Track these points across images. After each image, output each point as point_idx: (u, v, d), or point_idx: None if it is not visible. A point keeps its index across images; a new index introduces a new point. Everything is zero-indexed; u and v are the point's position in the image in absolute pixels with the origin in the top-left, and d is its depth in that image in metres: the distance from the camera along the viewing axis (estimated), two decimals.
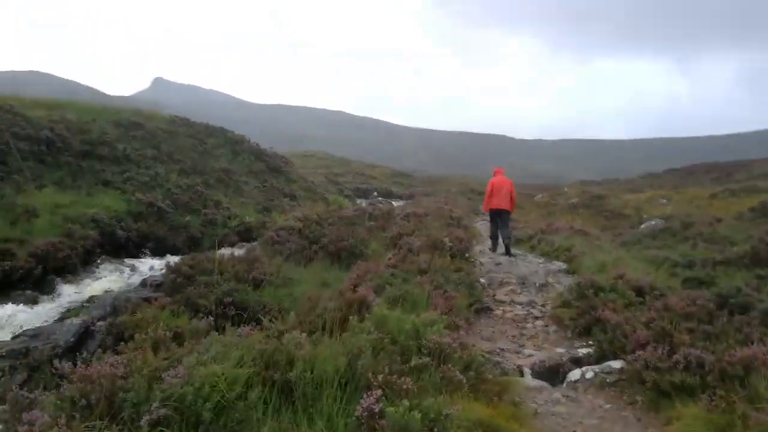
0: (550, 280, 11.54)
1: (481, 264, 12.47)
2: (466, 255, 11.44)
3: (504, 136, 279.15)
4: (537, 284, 11.09)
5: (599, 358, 6.78)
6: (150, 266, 13.97)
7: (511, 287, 10.87)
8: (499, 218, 13.91)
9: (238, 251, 15.96)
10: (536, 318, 9.35)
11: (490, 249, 14.29)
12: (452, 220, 17.13)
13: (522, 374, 6.91)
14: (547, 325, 9.01)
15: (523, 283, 11.10)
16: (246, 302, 10.46)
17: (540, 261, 13.55)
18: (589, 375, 6.26)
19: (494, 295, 10.45)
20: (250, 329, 5.36)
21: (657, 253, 14.88)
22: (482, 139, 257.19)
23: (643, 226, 23.05)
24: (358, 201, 40.86)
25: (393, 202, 41.33)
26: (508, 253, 13.42)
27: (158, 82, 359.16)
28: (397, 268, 9.66)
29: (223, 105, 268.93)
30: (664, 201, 37.77)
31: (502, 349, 7.80)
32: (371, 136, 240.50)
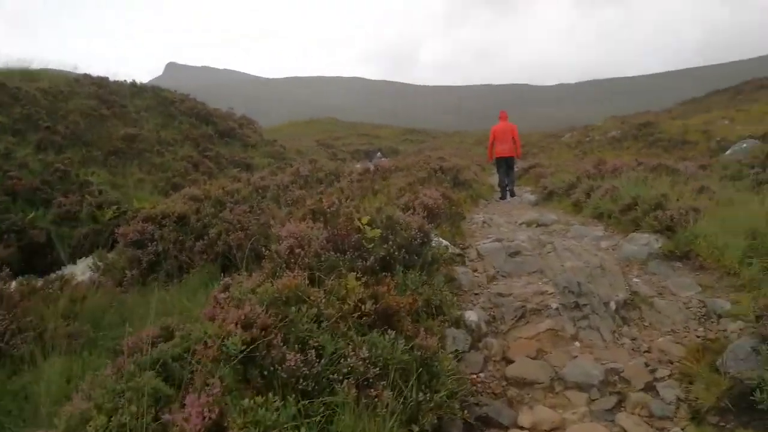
0: (640, 285, 4.88)
1: (478, 257, 5.83)
2: (429, 254, 4.79)
3: (526, 85, 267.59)
4: (611, 304, 4.45)
5: None
6: None
7: (547, 320, 4.27)
8: (505, 165, 12.12)
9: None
10: None
11: (497, 199, 12.29)
12: (440, 173, 10.47)
13: None
14: None
15: (577, 304, 4.46)
16: None
17: (598, 233, 6.88)
18: None
19: (504, 355, 3.89)
20: None
21: None
22: (504, 90, 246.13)
23: (729, 151, 16.02)
24: (356, 164, 34.41)
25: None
26: (511, 194, 12.16)
27: (171, 66, 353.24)
28: (214, 320, 3.22)
29: (238, 83, 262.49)
30: (727, 122, 30.28)
31: None
32: (390, 99, 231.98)
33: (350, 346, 2.84)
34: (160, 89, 23.20)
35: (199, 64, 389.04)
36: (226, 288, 4.12)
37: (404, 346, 2.98)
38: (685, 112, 44.89)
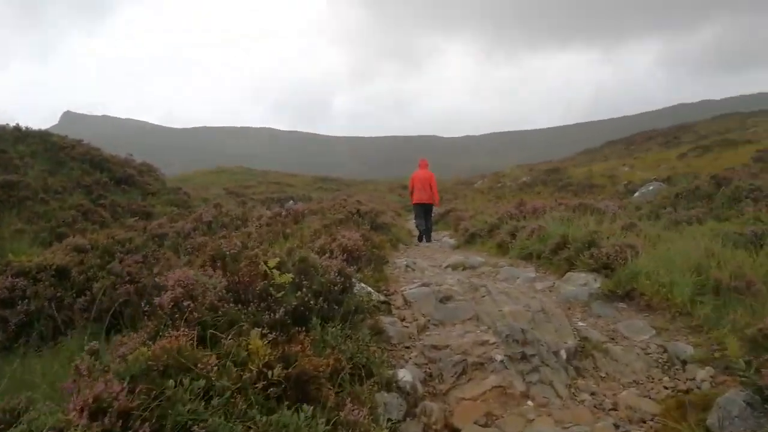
0: (588, 330, 4.37)
1: (405, 304, 5.15)
2: (351, 302, 4.08)
3: (434, 136, 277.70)
4: (561, 353, 3.89)
5: None
6: None
7: (492, 376, 3.61)
8: (423, 211, 12.14)
9: None
10: None
11: (416, 243, 11.99)
12: (357, 216, 9.84)
13: None
14: None
15: (524, 354, 3.85)
16: None
17: (530, 274, 6.42)
18: None
19: (446, 422, 3.19)
20: None
21: (726, 228, 7.93)
22: (413, 141, 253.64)
23: (637, 194, 16.57)
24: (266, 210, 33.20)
25: None
26: (427, 239, 12.06)
27: (67, 116, 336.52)
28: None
29: (140, 132, 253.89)
30: (627, 168, 32.16)
31: None
32: (301, 149, 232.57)
33: (252, 431, 2.05)
34: (48, 134, 21.27)
35: (98, 113, 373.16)
36: (93, 353, 3.19)
37: (326, 425, 2.22)
38: (586, 161, 47.52)
